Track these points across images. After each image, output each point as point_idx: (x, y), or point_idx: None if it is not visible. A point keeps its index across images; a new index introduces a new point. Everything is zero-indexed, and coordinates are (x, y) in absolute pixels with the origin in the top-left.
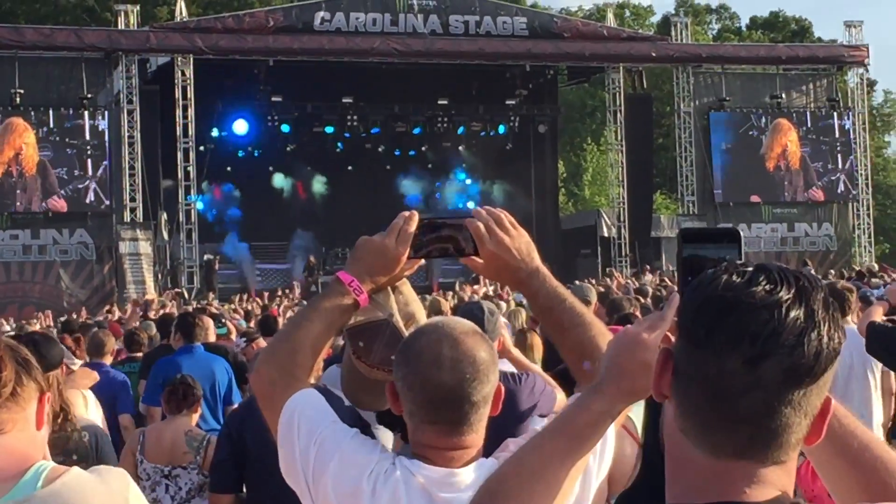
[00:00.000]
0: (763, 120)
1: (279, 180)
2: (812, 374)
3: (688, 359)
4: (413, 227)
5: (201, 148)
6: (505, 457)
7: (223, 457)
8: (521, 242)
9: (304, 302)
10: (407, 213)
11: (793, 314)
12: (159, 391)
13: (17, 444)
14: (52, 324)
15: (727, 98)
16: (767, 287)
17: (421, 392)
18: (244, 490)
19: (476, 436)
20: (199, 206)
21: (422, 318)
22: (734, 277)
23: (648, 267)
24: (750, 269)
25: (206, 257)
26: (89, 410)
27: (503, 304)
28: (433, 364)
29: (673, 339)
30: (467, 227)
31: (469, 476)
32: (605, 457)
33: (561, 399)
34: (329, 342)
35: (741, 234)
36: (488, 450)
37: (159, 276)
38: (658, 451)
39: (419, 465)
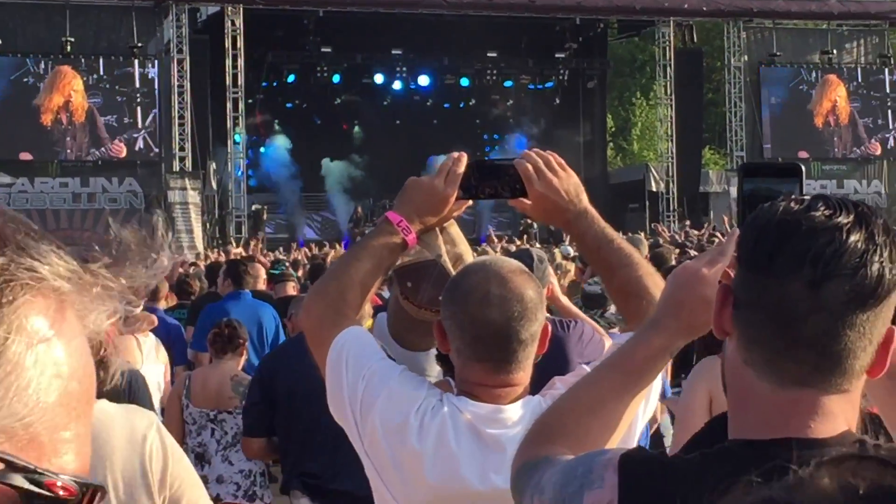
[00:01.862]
0: (813, 75)
1: (326, 131)
2: (875, 296)
3: (750, 287)
4: (462, 167)
5: (250, 100)
6: (553, 394)
7: (255, 400)
8: (570, 183)
9: None
10: (456, 154)
11: (853, 237)
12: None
13: None
14: None
15: (778, 53)
16: (826, 212)
17: (469, 330)
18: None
19: (523, 374)
20: (248, 154)
21: (469, 258)
22: (792, 205)
23: (689, 223)
24: (807, 197)
25: (253, 207)
26: (146, 355)
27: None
28: (481, 302)
29: (732, 274)
30: (516, 167)
31: (516, 412)
32: (651, 400)
33: (609, 347)
34: (378, 282)
35: (802, 168)
36: (534, 391)
37: (208, 225)
38: None
39: (466, 401)
